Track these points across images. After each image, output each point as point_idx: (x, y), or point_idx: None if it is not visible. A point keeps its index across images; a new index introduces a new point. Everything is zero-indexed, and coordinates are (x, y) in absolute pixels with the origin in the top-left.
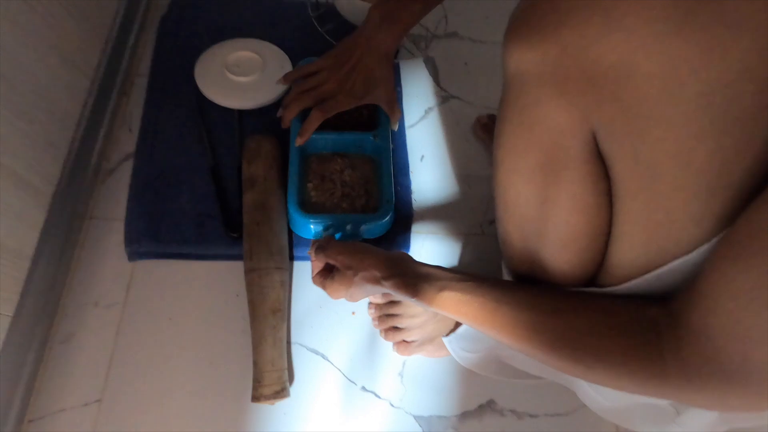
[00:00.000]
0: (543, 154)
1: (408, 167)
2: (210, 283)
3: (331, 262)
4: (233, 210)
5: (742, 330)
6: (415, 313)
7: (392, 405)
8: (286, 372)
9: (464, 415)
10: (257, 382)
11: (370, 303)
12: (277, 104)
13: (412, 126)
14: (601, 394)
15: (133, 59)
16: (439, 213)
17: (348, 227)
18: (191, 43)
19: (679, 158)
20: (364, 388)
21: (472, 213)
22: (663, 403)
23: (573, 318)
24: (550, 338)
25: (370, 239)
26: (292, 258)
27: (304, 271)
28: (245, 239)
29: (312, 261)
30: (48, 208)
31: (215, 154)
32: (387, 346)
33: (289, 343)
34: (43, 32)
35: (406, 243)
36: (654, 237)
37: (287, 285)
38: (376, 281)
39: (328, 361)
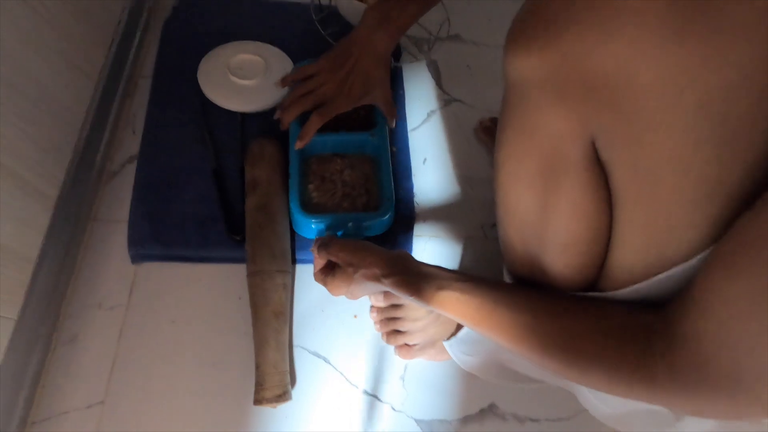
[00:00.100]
0: (543, 160)
1: (410, 170)
2: (212, 286)
3: (333, 259)
4: (236, 213)
5: (731, 338)
6: (417, 316)
7: (394, 409)
8: (288, 375)
9: (466, 419)
10: (259, 385)
11: (372, 306)
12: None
13: (414, 129)
14: (601, 400)
15: (136, 61)
16: (441, 215)
17: (349, 225)
18: (195, 46)
19: (678, 165)
20: (365, 392)
21: (474, 216)
22: (662, 409)
23: (568, 321)
24: (545, 340)
25: (372, 237)
26: (294, 261)
27: (306, 274)
28: (248, 242)
29: (314, 258)
30: (52, 211)
31: (218, 157)
32: (389, 349)
33: (291, 346)
34: (47, 36)
35: (408, 245)
36: (654, 243)
37: (289, 288)
38: (377, 279)
39: (330, 364)
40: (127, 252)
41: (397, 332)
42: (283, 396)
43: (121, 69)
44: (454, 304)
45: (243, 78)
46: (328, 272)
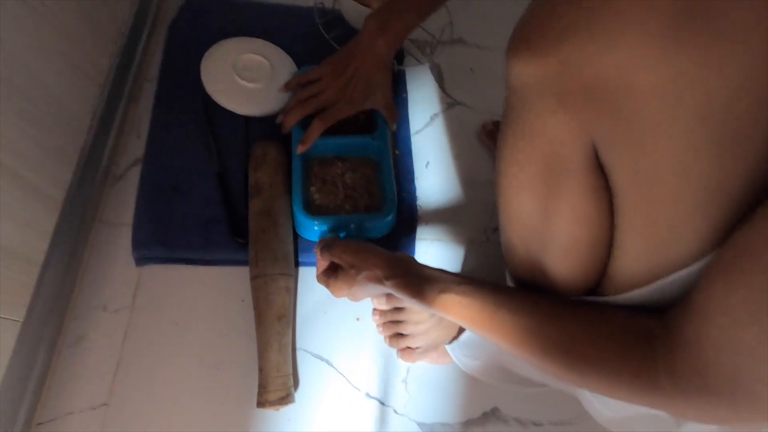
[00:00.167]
0: (544, 165)
1: (413, 173)
2: (216, 289)
3: (336, 260)
4: (240, 216)
5: (733, 344)
6: (419, 319)
7: (396, 412)
8: (291, 378)
9: (468, 423)
10: (262, 388)
11: (374, 309)
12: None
13: (417, 132)
14: (603, 404)
15: (142, 64)
16: (443, 219)
17: (352, 227)
18: (199, 49)
19: (678, 171)
20: (368, 395)
21: (477, 219)
22: (664, 413)
23: (568, 325)
24: (546, 344)
25: (374, 240)
26: (297, 264)
27: (309, 277)
28: (251, 245)
29: (317, 260)
30: (58, 214)
31: (222, 160)
32: (391, 352)
33: (294, 349)
34: (53, 40)
35: (411, 248)
36: (655, 248)
37: (292, 291)
38: (379, 281)
39: (333, 367)
40: (131, 254)
41: (400, 335)
42: (285, 399)
43: (126, 73)
44: (456, 308)
45: (249, 80)
46: (330, 274)
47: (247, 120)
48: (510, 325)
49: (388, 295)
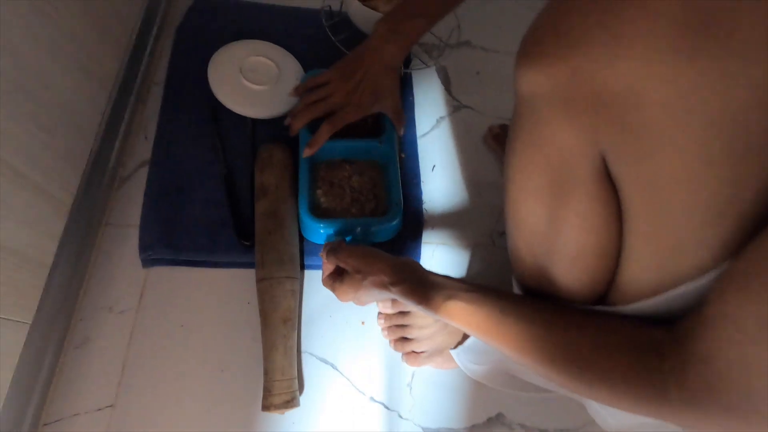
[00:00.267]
0: (552, 174)
1: (419, 176)
2: (222, 291)
3: (342, 265)
4: (246, 218)
5: (744, 358)
6: (424, 324)
7: (401, 416)
8: (296, 381)
9: (473, 428)
10: (267, 392)
11: (379, 313)
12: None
13: (423, 135)
14: (609, 412)
15: (150, 67)
16: (449, 223)
17: (358, 231)
18: (207, 52)
19: (688, 184)
20: (372, 399)
21: (483, 223)
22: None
23: (576, 334)
24: (552, 353)
25: (380, 244)
26: (303, 267)
27: (314, 280)
28: (257, 248)
29: (323, 263)
30: (67, 216)
31: (228, 162)
32: (396, 356)
33: (299, 352)
34: (62, 43)
35: (417, 252)
36: (664, 260)
37: (298, 294)
38: (384, 286)
39: (338, 370)
40: (138, 256)
41: (405, 339)
42: (290, 402)
43: (134, 75)
44: (461, 314)
45: (255, 83)
46: (336, 278)
47: (254, 122)
48: (516, 334)
49: (394, 300)
